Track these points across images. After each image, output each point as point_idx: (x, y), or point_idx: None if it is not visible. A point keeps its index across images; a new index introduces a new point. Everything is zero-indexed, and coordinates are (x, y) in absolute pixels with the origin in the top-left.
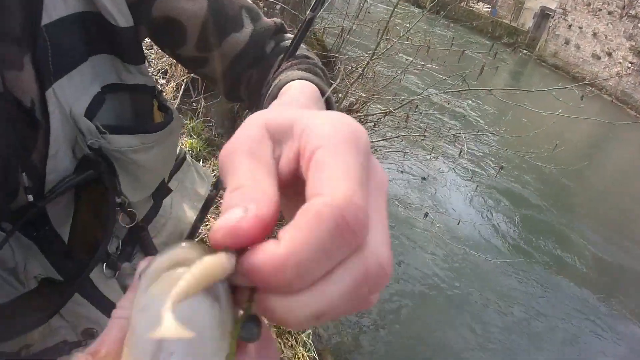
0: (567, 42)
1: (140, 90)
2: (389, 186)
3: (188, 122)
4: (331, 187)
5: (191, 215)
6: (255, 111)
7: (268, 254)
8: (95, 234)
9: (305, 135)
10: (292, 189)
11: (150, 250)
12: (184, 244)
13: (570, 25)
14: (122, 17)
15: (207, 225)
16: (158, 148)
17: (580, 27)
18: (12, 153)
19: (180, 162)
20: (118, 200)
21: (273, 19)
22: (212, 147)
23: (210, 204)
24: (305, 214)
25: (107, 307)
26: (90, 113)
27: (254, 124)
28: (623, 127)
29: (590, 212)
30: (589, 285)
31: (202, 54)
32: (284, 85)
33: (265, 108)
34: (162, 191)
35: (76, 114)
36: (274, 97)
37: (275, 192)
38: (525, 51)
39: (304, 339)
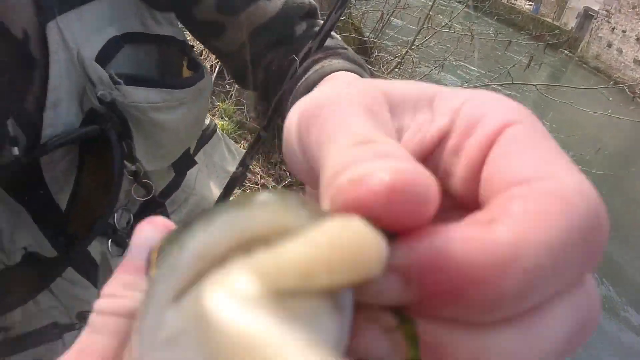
0: (609, 45)
1: (167, 42)
2: None
3: (220, 104)
4: (559, 171)
5: (217, 194)
6: (273, 104)
7: (477, 243)
8: (99, 206)
9: (470, 111)
10: None
11: None
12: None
13: (613, 28)
14: None
15: None
16: (184, 109)
17: (623, 31)
18: None
19: (210, 133)
20: (132, 167)
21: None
22: (242, 130)
23: (235, 183)
24: (542, 197)
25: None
26: (102, 59)
27: (367, 86)
28: None
29: (623, 222)
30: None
31: (221, 17)
32: (327, 74)
33: (298, 97)
34: (185, 162)
35: (85, 57)
36: (312, 85)
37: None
38: (566, 51)
39: None
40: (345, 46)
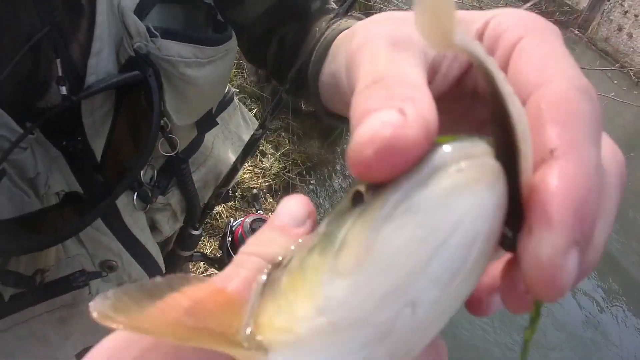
0: (620, 29)
1: (194, 3)
2: None
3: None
4: (564, 72)
5: (232, 157)
6: (288, 79)
7: (584, 168)
8: (131, 155)
9: (495, 27)
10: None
11: (188, 185)
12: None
13: (626, 12)
14: None
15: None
16: (211, 67)
17: (636, 15)
18: (46, 35)
19: (228, 101)
20: (160, 122)
21: None
22: (243, 94)
23: (254, 146)
24: (559, 103)
25: (128, 240)
26: (139, 13)
27: (395, 22)
28: None
29: (622, 211)
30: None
31: None
32: (344, 30)
33: (318, 57)
34: (208, 122)
35: (125, 9)
36: (330, 42)
37: (425, 81)
38: (577, 31)
39: None
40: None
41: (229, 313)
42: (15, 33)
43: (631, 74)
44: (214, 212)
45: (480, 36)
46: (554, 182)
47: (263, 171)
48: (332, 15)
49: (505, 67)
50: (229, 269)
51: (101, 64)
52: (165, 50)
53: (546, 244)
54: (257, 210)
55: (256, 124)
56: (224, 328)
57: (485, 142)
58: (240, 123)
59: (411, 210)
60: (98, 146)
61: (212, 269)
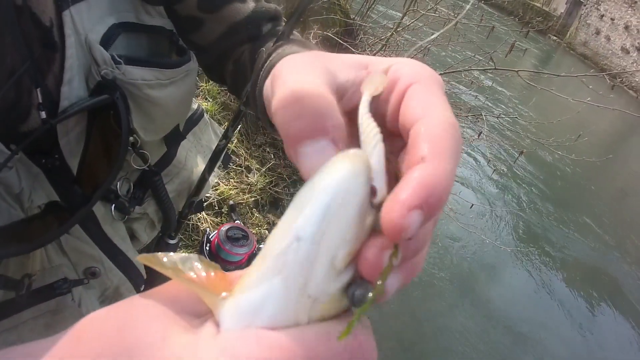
0: (597, 33)
1: (157, 31)
2: None
3: (204, 84)
4: (438, 111)
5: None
6: (242, 92)
7: (440, 170)
8: (104, 169)
9: (394, 73)
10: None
11: (162, 196)
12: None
13: (602, 16)
14: None
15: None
16: (173, 88)
17: (612, 19)
18: (26, 70)
19: (198, 117)
20: (130, 139)
21: (273, 4)
22: (227, 112)
23: (219, 155)
24: (432, 129)
25: (109, 249)
26: (105, 43)
27: (312, 57)
28: None
29: (605, 209)
30: (587, 285)
31: (201, 14)
32: (286, 56)
33: (264, 76)
34: (175, 137)
35: (91, 41)
36: (273, 65)
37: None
38: (555, 37)
39: None
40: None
41: (222, 284)
42: (0, 70)
43: (607, 78)
44: (199, 226)
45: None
46: (416, 173)
47: (249, 187)
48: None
49: (399, 104)
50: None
51: (73, 90)
52: (129, 74)
53: (401, 202)
54: (234, 220)
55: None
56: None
57: (357, 149)
58: (212, 138)
59: (312, 180)
60: (74, 163)
61: None
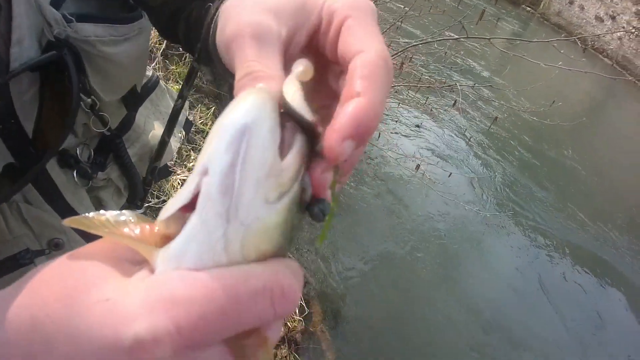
0: (571, 2)
1: None
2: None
3: (174, 67)
4: (372, 45)
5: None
6: (197, 49)
7: (370, 104)
8: (59, 129)
9: (328, 7)
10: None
11: (125, 159)
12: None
13: None
14: None
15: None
16: (128, 44)
17: None
18: None
19: (153, 84)
20: (88, 100)
21: None
22: (200, 94)
23: (177, 115)
24: (366, 66)
25: (69, 214)
26: (55, 3)
27: (257, 10)
28: (622, 96)
29: (580, 176)
30: (565, 248)
31: None
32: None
33: (212, 35)
34: (134, 99)
35: (41, 1)
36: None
37: (281, 70)
38: (528, 8)
39: None
40: None
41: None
42: None
43: (578, 43)
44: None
45: (320, 11)
46: (350, 107)
47: None
48: None
49: (337, 37)
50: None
51: (24, 52)
52: (81, 32)
53: (337, 132)
54: None
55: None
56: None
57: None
58: (170, 104)
59: (221, 116)
60: (29, 125)
61: None
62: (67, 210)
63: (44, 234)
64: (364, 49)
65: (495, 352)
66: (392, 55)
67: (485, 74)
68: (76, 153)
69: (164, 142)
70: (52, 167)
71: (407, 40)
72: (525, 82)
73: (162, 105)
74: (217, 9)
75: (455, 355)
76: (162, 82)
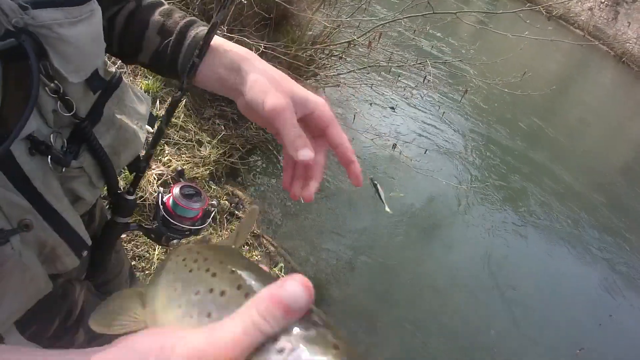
0: None
1: None
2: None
3: None
4: (344, 138)
5: (132, 126)
6: (135, 58)
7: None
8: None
9: (320, 112)
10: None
11: (97, 148)
12: None
13: None
14: None
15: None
16: (83, 25)
17: None
18: None
19: (117, 81)
20: (51, 85)
21: None
22: (169, 87)
23: (160, 136)
24: (348, 148)
25: (41, 207)
26: None
27: (283, 92)
28: (595, 68)
29: (553, 144)
30: (543, 214)
31: None
32: (202, 39)
33: (190, 51)
34: (97, 82)
35: None
36: (197, 42)
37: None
38: None
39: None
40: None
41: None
42: None
43: (543, 12)
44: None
45: (314, 108)
46: (353, 166)
47: (202, 159)
48: (184, 16)
49: (325, 130)
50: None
51: None
52: (39, 17)
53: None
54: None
55: (148, 99)
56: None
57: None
58: (134, 99)
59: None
60: None
61: (149, 240)
62: (35, 196)
63: (12, 214)
64: (342, 142)
65: (476, 315)
66: (359, 37)
67: (457, 50)
68: (50, 141)
69: (160, 129)
70: (21, 154)
71: (374, 19)
72: (495, 56)
73: (127, 99)
74: (183, 35)
75: (439, 320)
76: (124, 78)
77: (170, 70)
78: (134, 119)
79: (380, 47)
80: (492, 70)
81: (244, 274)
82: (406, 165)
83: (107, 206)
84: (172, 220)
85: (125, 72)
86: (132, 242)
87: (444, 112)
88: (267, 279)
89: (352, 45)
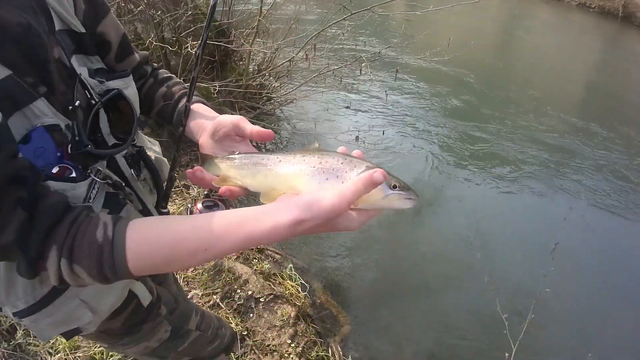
0: None
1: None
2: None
3: None
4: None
5: (159, 156)
6: (155, 112)
7: None
8: (127, 135)
9: (244, 125)
10: None
11: (151, 165)
12: None
13: None
14: (80, 26)
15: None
16: (132, 88)
17: None
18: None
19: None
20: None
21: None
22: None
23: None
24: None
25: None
26: (92, 75)
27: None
28: (528, 17)
29: (503, 94)
30: (505, 157)
31: (118, 63)
32: (185, 105)
33: (179, 117)
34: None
35: (84, 79)
36: (182, 112)
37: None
38: None
39: (288, 272)
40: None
41: None
42: None
43: None
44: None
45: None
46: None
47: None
48: (175, 84)
49: (249, 136)
50: None
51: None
52: (111, 85)
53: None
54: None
55: (157, 143)
56: None
57: None
58: (147, 142)
59: None
60: (105, 129)
61: None
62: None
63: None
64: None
65: (474, 281)
66: (296, 54)
67: (388, 40)
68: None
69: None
70: (120, 160)
71: (304, 35)
72: (424, 30)
73: (144, 142)
74: (177, 102)
75: (443, 287)
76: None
77: (169, 121)
78: (156, 153)
79: (317, 57)
80: (425, 45)
81: (342, 156)
82: (372, 149)
83: None
84: None
85: None
86: None
87: (388, 96)
88: (362, 160)
89: (293, 63)
